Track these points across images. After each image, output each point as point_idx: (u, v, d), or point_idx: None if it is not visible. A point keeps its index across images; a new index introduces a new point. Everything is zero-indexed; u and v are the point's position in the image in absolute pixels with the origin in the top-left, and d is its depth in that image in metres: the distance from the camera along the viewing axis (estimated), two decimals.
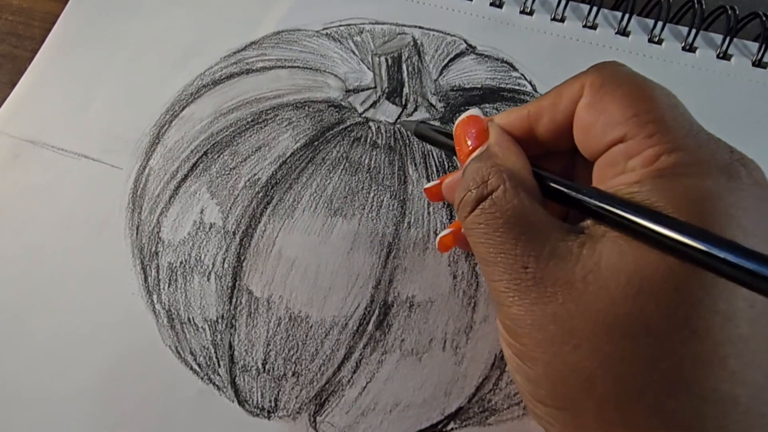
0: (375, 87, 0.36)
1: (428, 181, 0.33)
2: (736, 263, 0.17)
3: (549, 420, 0.22)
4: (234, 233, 0.32)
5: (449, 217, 0.32)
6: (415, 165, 0.33)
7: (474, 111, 0.26)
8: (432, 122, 0.35)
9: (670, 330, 0.18)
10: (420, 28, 0.38)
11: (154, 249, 0.32)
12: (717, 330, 0.18)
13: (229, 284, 0.31)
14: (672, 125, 0.20)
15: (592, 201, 0.21)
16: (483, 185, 0.22)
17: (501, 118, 0.25)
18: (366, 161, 0.33)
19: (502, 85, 0.36)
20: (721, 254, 0.17)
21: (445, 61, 0.37)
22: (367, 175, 0.33)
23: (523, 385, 0.22)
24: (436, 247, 0.31)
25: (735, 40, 0.38)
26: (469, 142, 0.25)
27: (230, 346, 0.30)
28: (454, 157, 0.34)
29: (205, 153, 0.34)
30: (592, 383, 0.19)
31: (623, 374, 0.19)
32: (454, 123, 0.35)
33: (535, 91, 0.36)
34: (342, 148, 0.34)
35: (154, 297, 0.31)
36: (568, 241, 0.21)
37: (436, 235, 0.31)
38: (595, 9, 0.38)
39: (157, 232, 0.32)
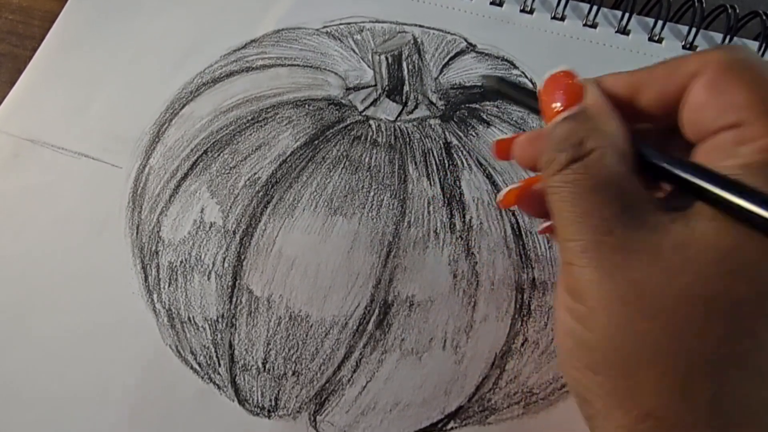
0: (375, 85, 0.36)
1: (428, 179, 0.33)
2: None
3: (594, 389, 0.21)
4: (234, 232, 0.32)
5: (449, 215, 0.32)
6: (416, 163, 0.33)
7: (566, 66, 0.24)
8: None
9: (757, 313, 0.18)
10: (420, 26, 0.38)
11: (154, 248, 0.32)
12: None
13: (230, 283, 0.31)
14: None
15: (695, 178, 0.20)
16: (579, 146, 0.21)
17: (601, 80, 0.24)
18: (366, 160, 0.33)
19: None
20: None
21: (446, 60, 0.37)
22: (368, 173, 0.33)
23: (574, 351, 0.21)
24: (498, 201, 0.29)
25: (735, 39, 0.37)
26: (559, 103, 0.23)
27: (230, 346, 0.30)
28: (456, 156, 0.34)
29: (205, 152, 0.34)
30: (660, 354, 0.19)
31: (696, 349, 0.18)
32: (454, 121, 0.35)
33: (535, 89, 0.36)
34: (342, 146, 0.34)
35: (155, 296, 0.31)
36: (660, 215, 0.20)
37: (437, 234, 0.31)
38: (595, 8, 0.38)
39: (158, 232, 0.32)
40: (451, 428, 0.29)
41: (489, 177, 0.33)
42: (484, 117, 0.35)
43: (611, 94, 0.23)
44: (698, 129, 0.22)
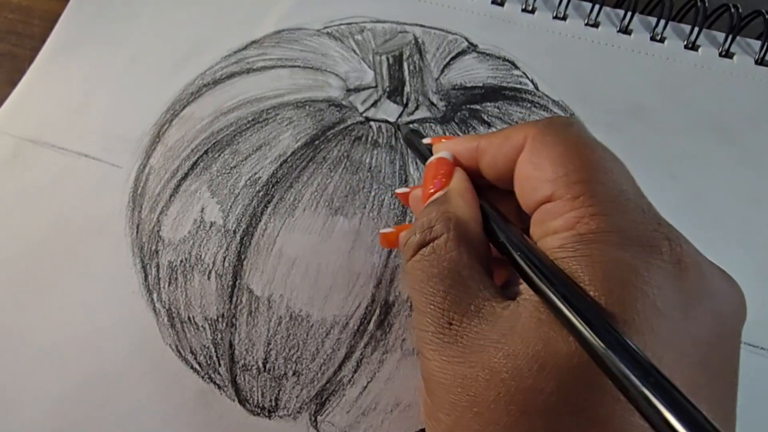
0: (376, 86, 0.36)
1: None
2: (625, 374, 0.16)
3: None
4: (234, 232, 0.32)
5: None
6: (416, 164, 0.33)
7: (444, 154, 0.25)
8: (431, 123, 0.35)
9: (566, 412, 0.17)
10: (421, 26, 0.38)
11: (154, 247, 0.32)
12: (616, 420, 0.17)
13: (230, 283, 0.31)
14: (598, 189, 0.20)
15: (523, 263, 0.20)
16: (428, 231, 0.22)
17: (453, 144, 0.25)
18: (367, 160, 0.33)
19: (504, 84, 0.36)
20: (613, 358, 0.16)
21: (447, 60, 0.37)
22: (368, 174, 0.33)
23: None
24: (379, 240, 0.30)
25: (737, 38, 0.37)
26: (432, 186, 0.24)
27: (231, 345, 0.30)
28: None
29: (206, 152, 0.34)
30: None
31: None
32: (455, 122, 0.35)
33: (537, 89, 0.36)
34: (343, 147, 0.34)
35: (155, 296, 0.31)
36: (494, 303, 0.20)
37: None
38: (597, 7, 0.38)
39: (158, 231, 0.32)
40: None
41: None
42: (485, 118, 0.35)
43: (461, 158, 0.25)
44: (526, 202, 0.22)
